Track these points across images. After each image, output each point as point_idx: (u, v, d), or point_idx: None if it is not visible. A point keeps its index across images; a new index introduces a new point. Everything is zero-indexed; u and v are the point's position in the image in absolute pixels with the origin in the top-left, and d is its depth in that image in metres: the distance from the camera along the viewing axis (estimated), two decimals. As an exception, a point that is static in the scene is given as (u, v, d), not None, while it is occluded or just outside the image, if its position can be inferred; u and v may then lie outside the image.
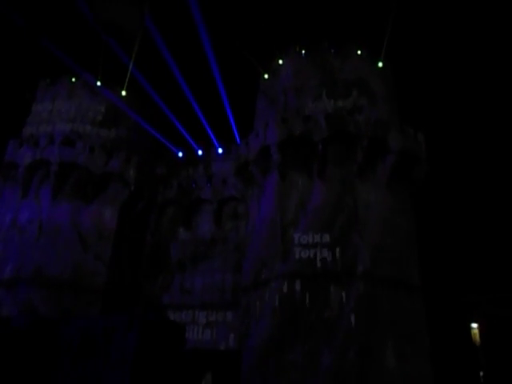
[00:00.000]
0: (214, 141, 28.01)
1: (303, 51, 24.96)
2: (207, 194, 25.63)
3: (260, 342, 19.04)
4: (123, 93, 27.56)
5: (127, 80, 27.61)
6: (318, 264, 19.40)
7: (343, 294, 18.59)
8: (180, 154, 27.79)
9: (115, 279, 24.00)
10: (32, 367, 17.25)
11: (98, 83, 27.15)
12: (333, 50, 24.63)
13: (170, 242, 25.60)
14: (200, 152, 27.51)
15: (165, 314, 22.98)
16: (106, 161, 24.84)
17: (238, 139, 26.48)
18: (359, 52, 24.53)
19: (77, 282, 22.72)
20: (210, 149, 27.50)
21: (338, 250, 19.49)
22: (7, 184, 24.74)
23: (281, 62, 25.48)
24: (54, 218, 23.53)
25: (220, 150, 27.08)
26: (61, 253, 22.95)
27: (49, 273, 22.43)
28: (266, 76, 26.02)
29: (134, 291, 24.49)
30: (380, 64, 24.80)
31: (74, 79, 27.32)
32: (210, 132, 28.61)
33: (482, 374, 27.54)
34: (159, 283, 24.57)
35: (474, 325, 29.17)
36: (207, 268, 24.22)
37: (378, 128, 21.30)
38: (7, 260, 22.72)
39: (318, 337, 17.98)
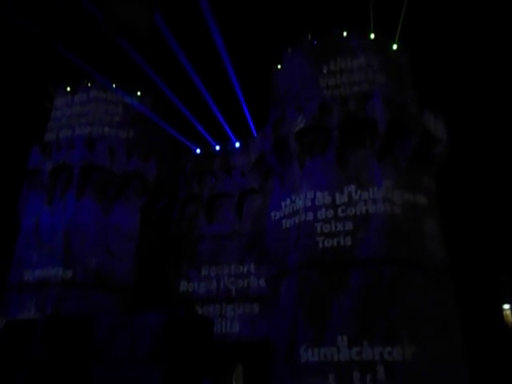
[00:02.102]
0: (231, 135, 28.07)
1: (315, 39, 24.68)
2: (227, 188, 25.75)
3: (286, 332, 19.15)
4: (138, 93, 27.85)
5: (142, 80, 27.87)
6: (342, 252, 19.33)
7: (369, 281, 18.51)
8: (198, 151, 27.95)
9: (142, 277, 24.40)
10: (68, 363, 17.75)
11: (114, 85, 27.48)
12: (346, 35, 24.27)
13: (194, 237, 25.84)
14: (218, 147, 27.61)
15: (193, 309, 23.27)
16: (127, 161, 25.20)
17: (254, 132, 26.47)
18: (373, 36, 24.11)
19: (105, 282, 23.19)
20: (227, 143, 27.58)
21: (360, 236, 19.37)
22: (32, 190, 25.33)
23: (294, 50, 25.26)
24: (79, 221, 24.01)
25: (237, 144, 27.11)
26: (87, 254, 23.44)
27: (77, 274, 22.94)
28: (279, 66, 25.85)
29: (161, 288, 24.85)
30: (395, 46, 24.36)
31: (89, 83, 27.69)
32: (226, 127, 28.66)
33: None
34: (185, 279, 24.87)
35: (506, 306, 28.63)
36: (232, 261, 24.39)
37: (397, 111, 20.98)
38: (35, 263, 23.32)
39: (342, 324, 18.02)
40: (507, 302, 28.54)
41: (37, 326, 18.59)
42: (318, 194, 20.82)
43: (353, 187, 20.41)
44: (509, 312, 28.39)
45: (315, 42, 24.57)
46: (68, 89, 28.09)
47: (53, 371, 17.60)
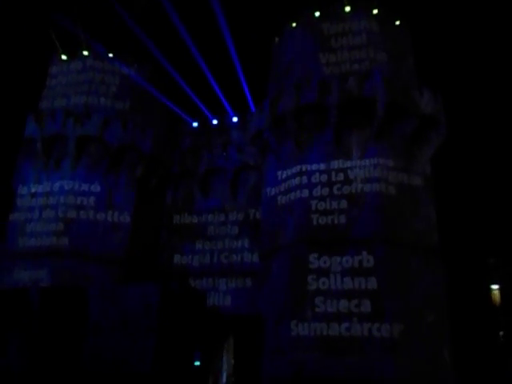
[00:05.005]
0: (229, 109, 27.77)
1: (317, 13, 24.18)
2: (223, 163, 25.68)
3: (277, 307, 19.47)
4: (135, 64, 27.39)
5: (140, 51, 27.36)
6: (336, 230, 19.49)
7: (361, 260, 18.73)
8: (195, 124, 27.72)
9: (136, 249, 24.56)
10: (63, 333, 18.03)
11: (111, 55, 26.99)
12: (349, 11, 23.80)
13: (188, 211, 25.90)
14: (215, 121, 27.37)
15: (186, 282, 23.56)
16: (122, 133, 24.96)
17: (252, 107, 26.21)
18: (375, 11, 23.66)
19: (98, 253, 23.32)
20: (224, 118, 27.33)
21: (355, 214, 19.50)
22: (28, 159, 25.17)
23: (294, 25, 24.79)
24: (74, 191, 23.97)
25: (235, 119, 26.88)
26: (82, 225, 23.50)
27: (71, 245, 23.06)
28: (278, 40, 25.41)
29: (155, 260, 25.07)
30: (398, 22, 23.97)
31: (86, 52, 27.16)
32: (224, 101, 28.33)
33: (501, 333, 27.77)
34: (179, 252, 25.06)
35: (495, 286, 29.17)
36: (226, 236, 24.56)
37: (397, 92, 20.79)
38: (29, 232, 23.41)
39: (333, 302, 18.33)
40: (496, 283, 29.06)
41: (32, 295, 18.79)
42: (314, 171, 20.83)
43: (349, 166, 20.43)
44: (497, 292, 28.96)
45: (317, 17, 24.09)
46: (64, 57, 27.56)
47: (47, 340, 17.89)
